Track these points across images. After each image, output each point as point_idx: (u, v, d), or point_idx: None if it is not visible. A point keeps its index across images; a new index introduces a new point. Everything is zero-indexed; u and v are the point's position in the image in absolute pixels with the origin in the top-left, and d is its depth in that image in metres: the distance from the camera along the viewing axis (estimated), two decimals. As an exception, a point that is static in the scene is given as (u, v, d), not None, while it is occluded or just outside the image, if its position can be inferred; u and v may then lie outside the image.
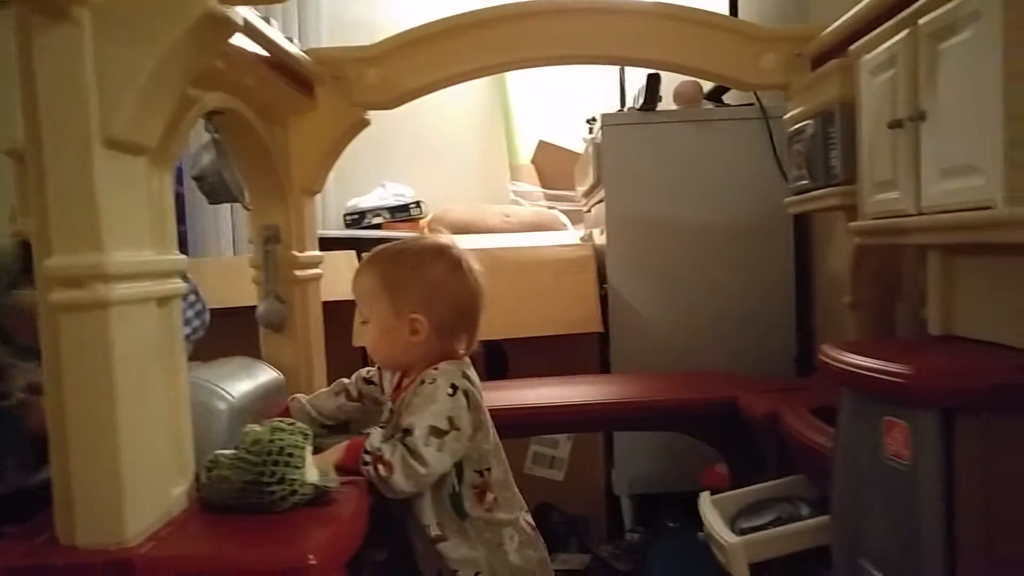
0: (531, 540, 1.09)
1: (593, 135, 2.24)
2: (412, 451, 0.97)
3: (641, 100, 2.10)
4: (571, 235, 2.97)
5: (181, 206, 3.08)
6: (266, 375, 1.22)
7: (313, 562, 0.76)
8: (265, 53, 1.09)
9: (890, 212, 1.03)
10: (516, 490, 1.13)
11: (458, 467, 1.03)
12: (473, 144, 3.54)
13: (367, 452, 0.98)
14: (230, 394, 1.04)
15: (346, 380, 1.22)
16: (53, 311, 0.75)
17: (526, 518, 1.11)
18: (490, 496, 1.05)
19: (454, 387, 1.02)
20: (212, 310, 1.26)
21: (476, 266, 1.10)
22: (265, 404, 1.15)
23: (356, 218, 3.24)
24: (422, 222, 3.23)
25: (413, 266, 1.07)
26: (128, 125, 0.76)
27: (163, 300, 0.84)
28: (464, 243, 1.19)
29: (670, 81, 2.07)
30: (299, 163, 1.35)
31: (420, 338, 1.05)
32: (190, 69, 0.82)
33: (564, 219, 3.17)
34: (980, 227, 0.82)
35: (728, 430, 1.44)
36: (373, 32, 1.55)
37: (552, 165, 3.36)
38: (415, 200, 3.26)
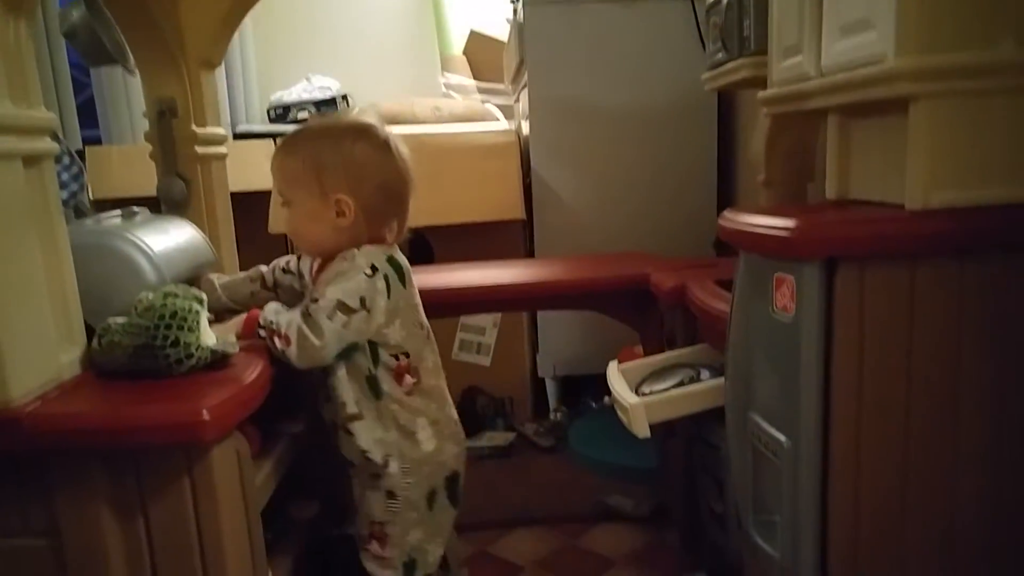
0: (453, 435, 1.09)
1: (516, 16, 2.16)
2: (311, 321, 0.95)
3: (565, -23, 2.03)
4: (498, 125, 2.92)
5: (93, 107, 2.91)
6: (194, 237, 1.16)
7: (207, 418, 0.76)
8: None
9: (795, 77, 1.03)
10: (444, 385, 1.12)
11: (372, 349, 1.02)
12: (402, 34, 3.40)
13: (260, 326, 0.97)
14: (150, 248, 0.99)
15: (264, 267, 1.19)
16: None
17: (451, 413, 1.11)
18: (410, 380, 1.04)
19: (374, 268, 0.99)
20: (115, 199, 1.20)
21: (404, 148, 1.06)
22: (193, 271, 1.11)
23: (280, 113, 3.11)
24: (349, 116, 3.12)
25: (338, 145, 1.01)
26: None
27: (31, 159, 0.79)
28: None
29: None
30: (193, 31, 1.26)
31: (347, 221, 1.01)
32: None
33: (498, 113, 3.10)
34: (872, 83, 0.83)
35: (641, 307, 1.49)
36: None
37: (485, 56, 3.24)
38: (341, 94, 3.14)
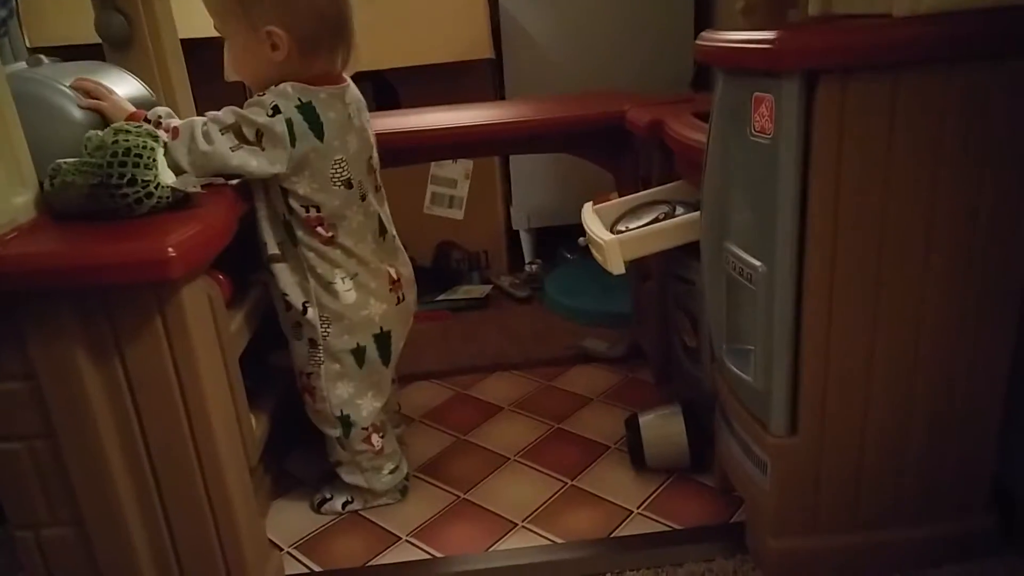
0: (379, 293, 1.06)
1: None
2: (205, 127, 0.92)
3: None
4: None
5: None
6: (130, 85, 1.08)
7: (172, 254, 0.74)
8: None
9: None
10: (391, 245, 1.10)
11: (284, 194, 0.98)
12: None
13: (147, 119, 0.94)
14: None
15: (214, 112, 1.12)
16: None
17: (378, 271, 1.07)
18: (324, 232, 1.00)
19: (276, 109, 0.93)
20: (55, 47, 1.09)
21: None
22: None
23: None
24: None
25: None
26: None
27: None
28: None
29: None
30: None
31: (282, 54, 0.95)
32: None
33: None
34: None
35: (616, 147, 1.45)
36: None
37: None
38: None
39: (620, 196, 1.52)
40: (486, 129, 1.43)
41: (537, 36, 1.94)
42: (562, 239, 2.06)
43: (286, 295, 1.03)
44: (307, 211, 0.99)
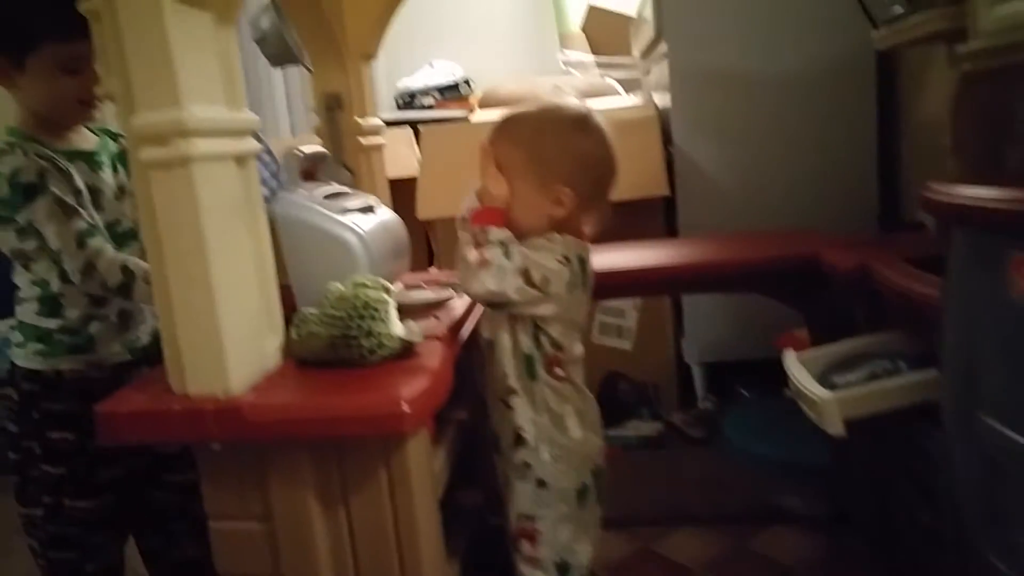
0: (594, 426, 1.07)
1: (652, -13, 2.09)
2: (501, 265, 0.95)
3: (706, -56, 1.94)
4: (628, 101, 2.84)
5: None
6: (386, 212, 1.16)
7: (407, 410, 0.77)
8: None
9: (1011, 26, 0.92)
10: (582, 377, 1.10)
11: (535, 332, 1.01)
12: (519, 15, 3.39)
13: (475, 233, 0.97)
14: (359, 227, 1.01)
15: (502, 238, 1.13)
16: (144, 170, 0.76)
17: (593, 405, 1.08)
18: (560, 371, 1.03)
19: (567, 259, 0.99)
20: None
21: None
22: (394, 244, 1.11)
23: (407, 100, 3.18)
24: (472, 99, 3.14)
25: (562, 137, 1.00)
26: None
27: (241, 159, 0.83)
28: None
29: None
30: (355, 26, 1.29)
31: (563, 211, 1.00)
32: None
33: (618, 87, 3.03)
34: None
35: (809, 289, 1.39)
36: None
37: (603, 31, 3.19)
38: (464, 78, 3.16)
39: (811, 337, 1.44)
40: (668, 270, 1.43)
41: (711, 172, 1.95)
42: (738, 375, 1.98)
43: (522, 430, 1.03)
44: (553, 349, 1.02)
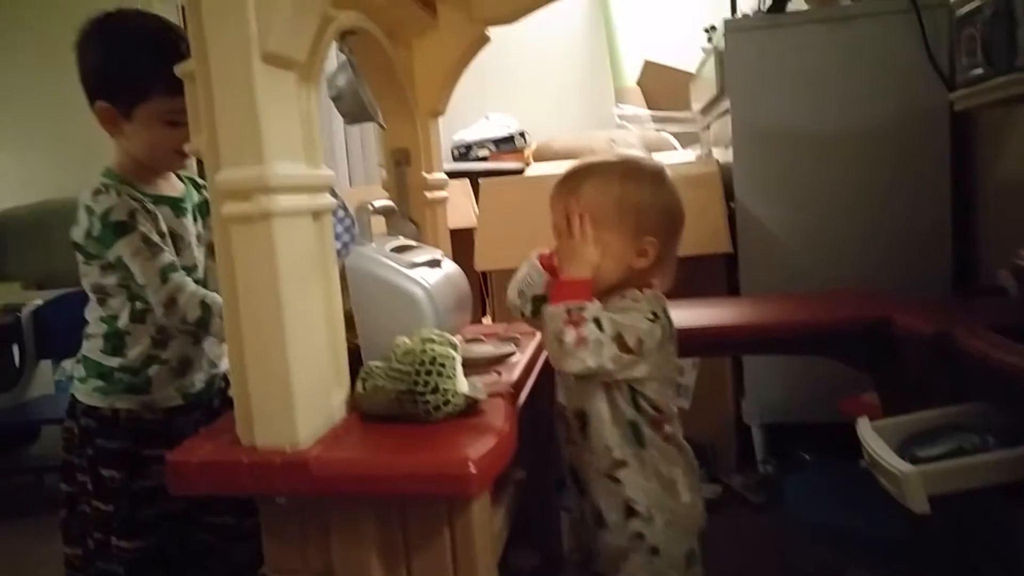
0: (698, 485, 1.04)
1: (714, 43, 2.10)
2: (598, 338, 0.91)
3: (768, 2, 1.96)
4: (685, 155, 2.85)
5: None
6: (450, 265, 1.16)
7: (473, 471, 0.76)
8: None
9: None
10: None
11: (633, 396, 0.98)
12: (575, 68, 3.45)
13: (569, 310, 0.92)
14: (426, 281, 1.01)
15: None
16: (225, 224, 0.79)
17: (696, 464, 1.05)
18: (667, 428, 1.00)
19: (655, 315, 0.96)
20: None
21: None
22: (458, 297, 1.11)
23: (463, 151, 3.24)
24: (527, 152, 3.19)
25: (650, 188, 0.99)
26: (281, 40, 0.77)
27: (317, 214, 0.85)
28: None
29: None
30: (424, 84, 1.33)
31: (646, 262, 0.99)
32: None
33: (674, 142, 3.04)
34: None
35: (880, 353, 1.34)
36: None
37: (659, 86, 3.22)
38: (519, 130, 3.22)
39: (882, 403, 1.39)
40: (729, 330, 1.40)
41: (774, 230, 1.92)
42: (798, 438, 1.91)
43: (633, 502, 0.99)
44: (654, 411, 0.99)
